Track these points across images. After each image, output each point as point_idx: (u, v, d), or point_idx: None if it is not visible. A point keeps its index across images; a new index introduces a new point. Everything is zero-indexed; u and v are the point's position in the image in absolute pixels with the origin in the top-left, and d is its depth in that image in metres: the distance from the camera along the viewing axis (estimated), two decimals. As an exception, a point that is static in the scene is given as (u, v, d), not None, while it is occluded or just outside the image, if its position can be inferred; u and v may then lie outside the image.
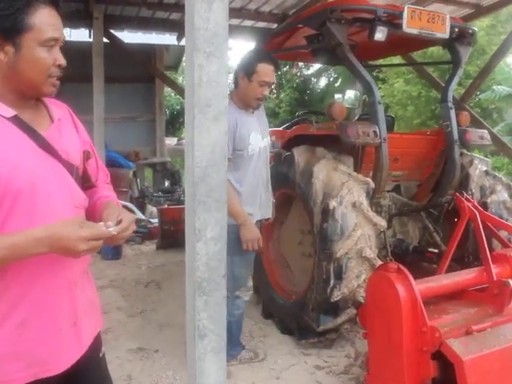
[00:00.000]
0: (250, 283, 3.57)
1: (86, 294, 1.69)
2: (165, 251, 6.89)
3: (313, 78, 21.41)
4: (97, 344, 1.77)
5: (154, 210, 8.28)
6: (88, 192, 1.71)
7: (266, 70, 3.28)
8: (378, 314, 2.72)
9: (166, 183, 10.41)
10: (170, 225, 7.00)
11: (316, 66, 19.67)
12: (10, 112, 1.44)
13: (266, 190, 3.54)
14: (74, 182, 1.58)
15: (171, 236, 6.89)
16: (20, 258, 1.37)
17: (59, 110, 1.66)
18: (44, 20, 1.43)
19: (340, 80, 19.34)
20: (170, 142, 15.26)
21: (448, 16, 3.86)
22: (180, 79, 21.07)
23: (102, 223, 1.44)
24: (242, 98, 3.37)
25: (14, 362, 1.47)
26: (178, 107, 22.34)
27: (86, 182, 1.68)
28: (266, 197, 3.55)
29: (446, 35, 3.87)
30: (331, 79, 21.05)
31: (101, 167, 1.85)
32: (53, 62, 1.46)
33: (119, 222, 1.47)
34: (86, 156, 1.69)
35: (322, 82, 21.86)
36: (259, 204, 3.46)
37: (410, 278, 2.59)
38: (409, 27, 3.68)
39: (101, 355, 1.83)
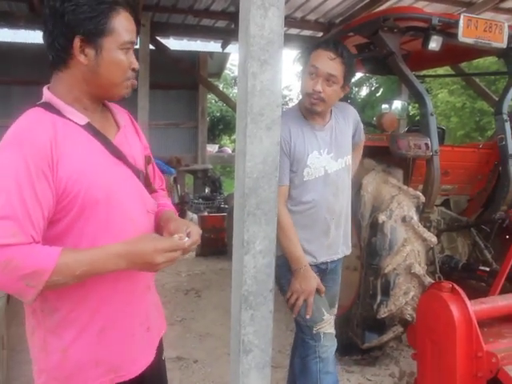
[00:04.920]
0: (327, 309, 2.67)
1: (156, 297, 1.74)
2: (204, 259, 6.89)
3: (354, 88, 21.23)
4: (161, 347, 1.78)
5: (195, 216, 8.29)
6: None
7: (317, 55, 2.50)
8: (429, 335, 2.60)
9: (207, 190, 10.42)
10: (210, 232, 7.00)
11: (357, 75, 19.49)
12: (84, 119, 1.45)
13: (339, 226, 2.70)
14: (143, 187, 1.59)
15: (211, 244, 6.89)
16: (98, 273, 1.37)
17: (121, 115, 1.65)
18: (123, 24, 1.44)
19: (382, 90, 19.11)
20: (211, 149, 15.33)
21: (506, 25, 3.70)
22: (221, 86, 21.19)
23: (176, 236, 1.44)
24: (303, 100, 2.63)
25: (95, 369, 1.49)
26: (218, 114, 22.47)
27: (148, 187, 1.67)
28: (338, 233, 2.71)
29: (504, 45, 3.71)
30: (372, 89, 20.84)
31: (157, 172, 1.84)
32: (129, 64, 1.48)
33: (189, 235, 1.47)
34: (147, 161, 1.69)
35: (363, 91, 21.67)
36: (317, 247, 2.66)
37: (465, 298, 2.47)
38: (465, 36, 3.54)
39: (163, 358, 1.84)
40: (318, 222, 2.63)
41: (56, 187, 1.33)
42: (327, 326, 2.60)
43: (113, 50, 1.43)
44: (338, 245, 2.73)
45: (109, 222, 1.44)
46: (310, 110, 2.57)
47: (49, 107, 1.42)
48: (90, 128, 1.45)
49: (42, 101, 1.45)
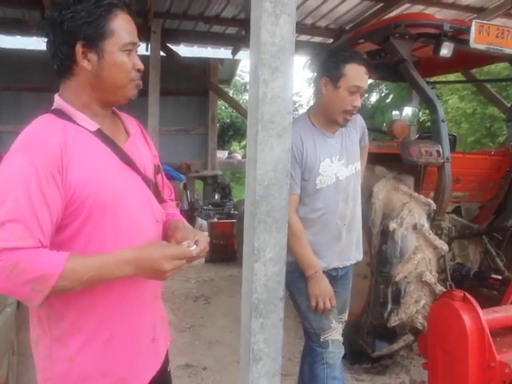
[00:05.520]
0: (336, 318, 2.67)
1: (162, 308, 1.71)
2: (214, 265, 6.88)
3: (364, 94, 21.17)
4: (167, 358, 1.75)
5: (204, 223, 8.30)
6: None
7: (357, 72, 2.50)
8: (440, 345, 2.57)
9: (216, 196, 10.43)
10: (219, 239, 7.01)
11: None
12: (94, 125, 1.45)
13: (350, 231, 2.70)
14: (152, 195, 1.59)
15: (221, 250, 6.90)
16: (105, 279, 1.36)
17: (131, 123, 1.65)
18: (123, 25, 1.44)
19: (391, 96, 19.05)
20: (221, 155, 15.36)
21: (519, 31, 3.68)
22: (231, 93, 21.23)
23: (185, 243, 1.44)
24: (326, 112, 2.60)
25: (101, 380, 1.47)
26: (228, 120, 22.52)
27: (157, 196, 1.66)
28: (350, 239, 2.71)
29: (516, 51, 3.70)
30: (382, 95, 20.78)
31: (166, 182, 1.84)
32: (133, 66, 1.47)
33: (196, 243, 1.46)
34: (157, 170, 1.68)
35: (373, 97, 21.62)
36: (329, 253, 2.66)
37: (477, 307, 2.44)
38: (476, 43, 3.52)
39: (168, 369, 1.81)
40: (330, 228, 2.63)
41: (65, 191, 1.34)
42: (335, 333, 2.61)
43: (114, 52, 1.43)
44: (351, 251, 2.74)
45: (117, 229, 1.43)
46: (340, 125, 2.61)
47: (60, 113, 1.44)
48: (100, 134, 1.46)
49: (54, 107, 1.46)
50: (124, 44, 1.44)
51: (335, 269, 2.72)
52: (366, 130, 2.88)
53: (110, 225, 1.41)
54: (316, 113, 2.67)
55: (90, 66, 1.42)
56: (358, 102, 2.54)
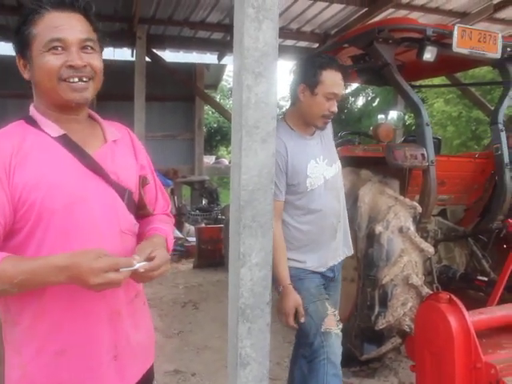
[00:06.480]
0: (333, 310, 2.69)
1: (136, 325, 1.57)
2: (201, 270, 6.86)
3: (350, 97, 21.30)
4: (147, 381, 1.65)
5: (192, 228, 8.28)
6: (144, 220, 1.64)
7: (333, 79, 2.55)
8: (427, 347, 2.58)
9: (204, 202, 10.43)
10: (207, 244, 7.00)
11: (353, 85, 19.58)
12: (58, 131, 1.42)
13: (339, 230, 2.76)
14: (123, 205, 1.51)
15: (208, 255, 6.89)
16: (41, 284, 1.31)
17: (118, 132, 1.60)
18: (47, 24, 1.38)
19: (378, 100, 19.18)
20: (208, 160, 15.35)
21: (500, 35, 3.72)
22: (218, 97, 21.25)
23: (135, 256, 1.33)
24: (304, 117, 2.65)
25: None
26: (215, 125, 22.53)
27: (140, 209, 1.60)
28: (338, 238, 2.76)
29: (498, 55, 3.73)
30: (369, 98, 20.91)
31: (161, 196, 1.75)
32: (63, 63, 1.37)
33: (151, 259, 1.36)
34: (142, 182, 1.60)
35: (360, 101, 21.75)
36: (326, 252, 2.70)
37: (463, 309, 2.45)
38: (459, 47, 3.56)
39: None
40: (327, 228, 2.68)
41: (11, 193, 1.33)
42: (334, 324, 2.60)
43: (38, 55, 1.38)
44: (340, 246, 2.79)
45: (68, 235, 1.38)
46: (319, 128, 2.68)
47: (29, 120, 1.45)
48: (62, 140, 1.42)
49: (27, 114, 1.48)
50: (45, 43, 1.37)
51: (331, 269, 2.75)
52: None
53: (60, 230, 1.37)
54: (293, 117, 2.70)
55: (27, 75, 1.43)
56: (335, 108, 2.60)
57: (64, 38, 1.37)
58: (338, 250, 2.77)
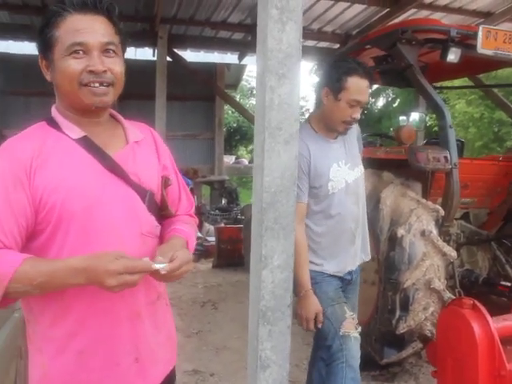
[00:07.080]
0: (352, 314, 2.63)
1: (157, 326, 1.56)
2: (221, 270, 6.88)
3: (370, 98, 21.18)
4: (169, 383, 1.64)
5: (211, 228, 8.30)
6: (166, 221, 1.62)
7: (358, 86, 2.50)
8: (449, 353, 2.54)
9: (223, 201, 10.45)
10: (227, 244, 7.01)
11: (374, 86, 19.46)
12: (78, 133, 1.43)
13: (359, 235, 2.73)
14: (144, 207, 1.49)
15: (228, 255, 6.90)
16: (61, 286, 1.32)
17: (141, 132, 1.59)
18: (69, 27, 1.37)
19: (398, 100, 19.04)
20: (228, 160, 15.38)
21: (527, 36, 3.66)
22: (237, 97, 21.29)
23: (146, 258, 1.33)
24: (326, 121, 2.62)
25: None
26: (235, 125, 22.56)
27: (162, 210, 1.59)
28: (357, 244, 2.74)
29: (524, 56, 3.67)
30: (389, 99, 20.77)
31: (184, 197, 1.73)
32: (84, 68, 1.37)
33: (172, 260, 1.35)
34: (165, 182, 1.59)
35: (380, 102, 21.61)
36: (345, 257, 2.68)
37: (487, 315, 2.41)
38: (484, 48, 3.50)
39: None
40: (345, 232, 2.65)
41: (32, 195, 1.33)
42: (353, 328, 2.56)
43: (60, 59, 1.37)
44: (358, 252, 2.76)
45: (89, 237, 1.38)
46: (341, 133, 2.65)
47: (51, 121, 1.45)
48: (83, 142, 1.42)
49: (49, 115, 1.48)
50: (67, 47, 1.36)
51: (349, 272, 2.73)
52: (361, 135, 2.90)
53: (80, 233, 1.37)
54: (317, 120, 2.69)
55: (49, 77, 1.43)
56: (358, 115, 2.56)
57: (85, 41, 1.37)
58: (357, 256, 2.75)
